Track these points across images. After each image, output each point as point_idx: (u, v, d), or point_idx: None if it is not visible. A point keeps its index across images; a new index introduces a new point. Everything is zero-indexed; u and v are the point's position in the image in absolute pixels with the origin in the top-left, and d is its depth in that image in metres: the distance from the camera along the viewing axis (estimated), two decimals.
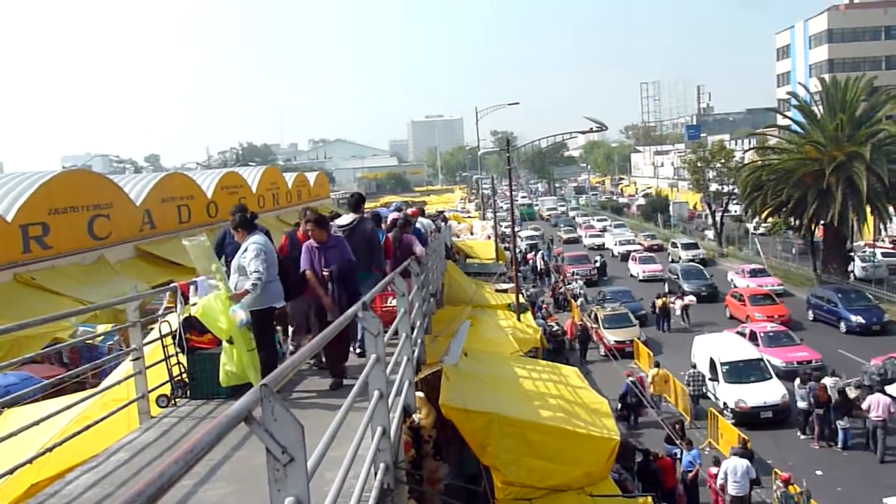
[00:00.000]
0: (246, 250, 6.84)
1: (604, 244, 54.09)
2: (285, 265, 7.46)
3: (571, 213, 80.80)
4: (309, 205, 8.54)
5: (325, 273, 7.47)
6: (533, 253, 46.59)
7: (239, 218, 7.19)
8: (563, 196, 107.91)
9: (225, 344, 6.59)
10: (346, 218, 8.79)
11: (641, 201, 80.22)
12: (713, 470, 14.67)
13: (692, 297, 33.04)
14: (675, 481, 14.72)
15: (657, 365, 21.28)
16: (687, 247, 45.56)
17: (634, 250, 46.99)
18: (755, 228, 46.30)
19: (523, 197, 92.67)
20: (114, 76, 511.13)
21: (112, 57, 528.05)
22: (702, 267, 38.73)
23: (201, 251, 6.82)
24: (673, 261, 42.99)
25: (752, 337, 23.74)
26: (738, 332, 24.22)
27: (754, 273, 36.12)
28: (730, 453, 15.06)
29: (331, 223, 8.28)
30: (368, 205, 21.20)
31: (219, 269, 6.82)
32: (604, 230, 59.98)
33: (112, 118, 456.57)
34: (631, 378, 19.96)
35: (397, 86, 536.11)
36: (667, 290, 34.59)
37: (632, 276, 41.88)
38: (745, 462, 14.35)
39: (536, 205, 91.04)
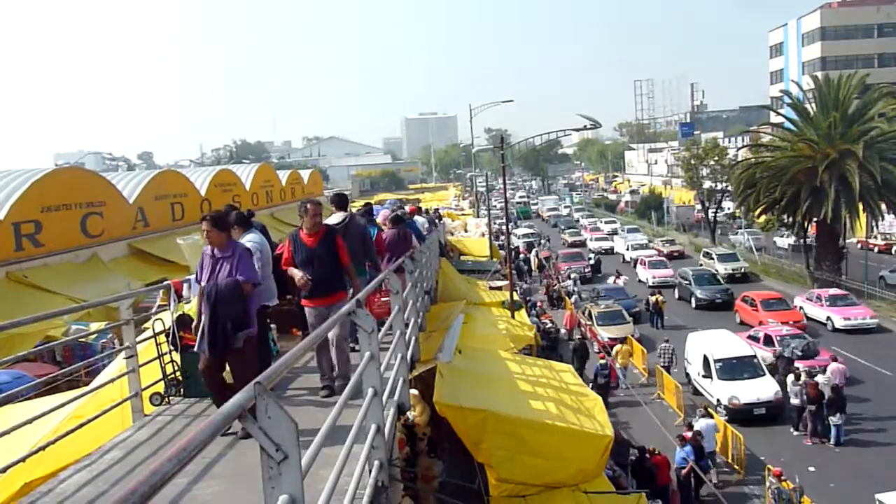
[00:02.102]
0: None
1: (612, 248, 49.44)
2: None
3: (576, 215, 73.81)
4: (313, 197, 7.77)
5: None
6: (526, 249, 46.78)
7: (235, 216, 7.19)
8: (558, 193, 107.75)
9: None
10: (336, 217, 8.80)
11: (628, 197, 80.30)
12: (688, 434, 16.18)
13: (625, 278, 34.75)
14: (669, 478, 14.79)
15: (622, 340, 24.24)
16: (725, 258, 38.92)
17: (647, 255, 42.27)
18: (737, 217, 45.72)
19: (521, 197, 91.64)
20: (107, 73, 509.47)
21: (106, 54, 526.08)
22: (715, 272, 35.52)
23: (195, 250, 6.81)
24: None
25: (768, 341, 22.95)
26: (750, 336, 23.64)
27: (834, 301, 28.29)
28: (698, 416, 17.25)
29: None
30: (364, 201, 21.27)
31: None
32: (613, 233, 54.88)
33: (105, 115, 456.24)
34: (603, 360, 21.13)
35: (391, 83, 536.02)
36: (677, 295, 34.02)
37: (640, 281, 38.31)
38: (713, 421, 16.81)
39: (535, 204, 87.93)
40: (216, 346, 5.77)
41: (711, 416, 17.08)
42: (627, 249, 46.50)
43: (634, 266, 41.87)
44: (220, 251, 5.99)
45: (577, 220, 67.55)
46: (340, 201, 9.07)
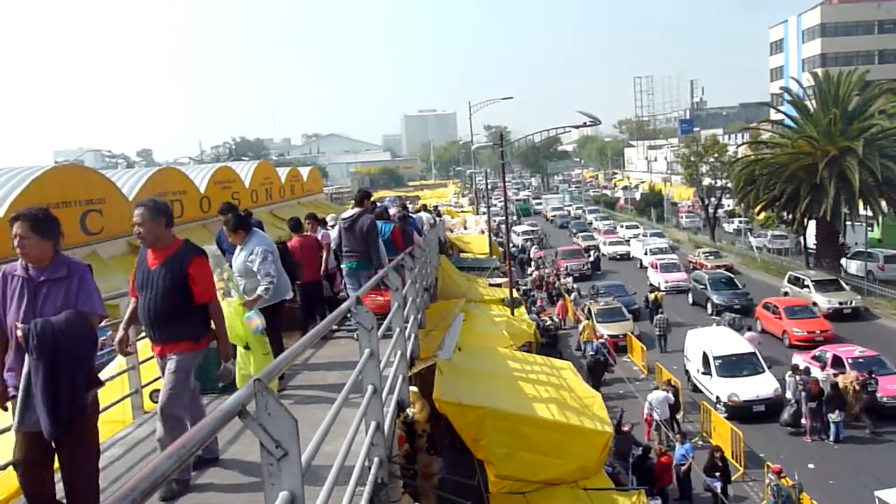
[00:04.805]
0: (252, 253, 6.79)
1: (628, 254, 45.90)
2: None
3: (588, 217, 67.37)
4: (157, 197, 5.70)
5: (17, 332, 3.89)
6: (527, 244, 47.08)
7: (233, 218, 7.16)
8: (556, 189, 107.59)
9: (241, 349, 6.56)
10: (349, 212, 9.12)
11: (620, 193, 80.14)
12: (644, 408, 17.71)
13: (556, 276, 35.58)
14: (671, 479, 14.75)
15: (588, 317, 26.34)
16: (824, 286, 29.06)
17: (659, 259, 38.13)
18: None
19: (525, 195, 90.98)
20: (106, 70, 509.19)
21: (104, 51, 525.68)
22: (732, 275, 32.78)
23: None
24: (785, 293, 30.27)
25: (837, 363, 19.99)
26: (814, 357, 20.92)
27: None
28: (652, 388, 18.99)
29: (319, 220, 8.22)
30: None
31: (231, 276, 6.78)
32: (633, 237, 49.51)
33: (104, 113, 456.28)
34: (601, 339, 22.94)
35: (390, 80, 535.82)
36: (691, 300, 32.55)
37: (651, 285, 34.83)
38: (664, 393, 17.97)
39: (539, 203, 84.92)
40: (59, 416, 3.74)
41: (673, 389, 18.35)
42: (646, 254, 41.71)
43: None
44: (42, 270, 4.02)
45: (591, 223, 62.15)
46: (358, 198, 9.28)
